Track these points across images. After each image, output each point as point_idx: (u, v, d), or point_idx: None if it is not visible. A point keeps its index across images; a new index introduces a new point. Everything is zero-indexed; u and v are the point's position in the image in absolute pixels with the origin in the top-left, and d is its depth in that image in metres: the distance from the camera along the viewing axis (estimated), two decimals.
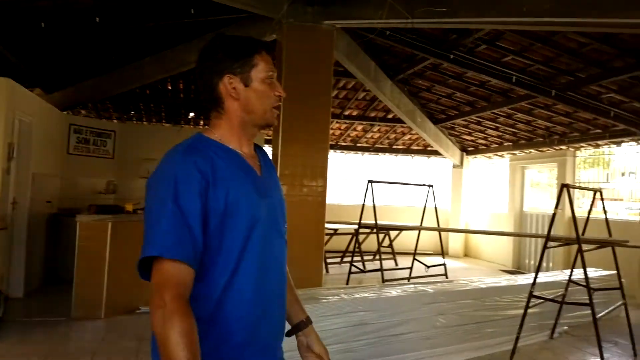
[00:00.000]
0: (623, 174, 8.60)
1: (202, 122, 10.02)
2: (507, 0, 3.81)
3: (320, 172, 4.85)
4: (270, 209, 1.27)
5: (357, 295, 3.63)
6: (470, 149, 10.52)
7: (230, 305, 1.16)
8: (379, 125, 10.12)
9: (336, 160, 10.91)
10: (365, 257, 7.87)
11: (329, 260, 7.70)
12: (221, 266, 1.16)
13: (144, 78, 6.91)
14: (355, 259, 7.15)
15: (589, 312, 3.75)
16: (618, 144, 7.37)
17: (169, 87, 8.27)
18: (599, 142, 7.56)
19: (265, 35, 5.09)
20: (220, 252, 1.16)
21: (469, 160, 10.66)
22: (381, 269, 6.45)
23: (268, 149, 8.58)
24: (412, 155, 11.39)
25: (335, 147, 10.55)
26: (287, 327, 1.41)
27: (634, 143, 7.02)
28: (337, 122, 9.79)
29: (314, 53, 4.82)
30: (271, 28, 4.91)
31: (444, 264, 7.28)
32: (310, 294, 3.59)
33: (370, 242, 8.22)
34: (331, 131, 9.28)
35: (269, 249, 1.26)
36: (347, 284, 6.32)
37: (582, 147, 8.06)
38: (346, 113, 9.52)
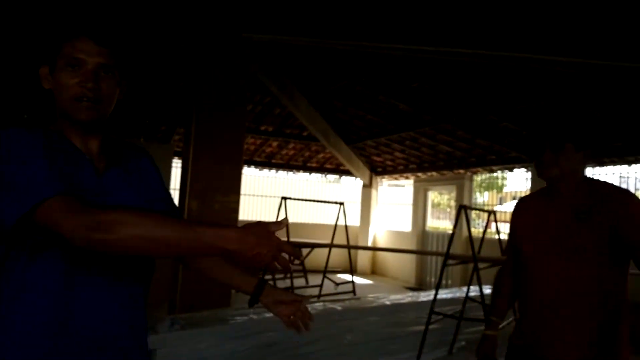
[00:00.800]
0: (514, 198, 9.41)
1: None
2: (416, 28, 4.04)
3: (234, 187, 4.74)
4: None
5: (267, 315, 3.55)
6: (379, 169, 10.94)
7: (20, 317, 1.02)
8: (293, 142, 10.19)
9: (250, 176, 10.79)
10: (276, 275, 7.79)
11: None
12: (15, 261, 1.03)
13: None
14: (266, 277, 7.05)
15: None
16: (510, 169, 8.08)
17: None
18: (494, 168, 8.24)
19: (180, 43, 4.93)
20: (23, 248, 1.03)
21: (378, 180, 11.07)
22: (292, 287, 6.42)
23: (178, 162, 8.24)
24: (325, 173, 11.60)
25: (249, 162, 10.44)
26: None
27: (524, 169, 7.73)
28: (252, 137, 9.70)
29: (229, 64, 4.74)
30: (187, 35, 4.76)
31: (352, 282, 7.42)
32: (218, 315, 3.45)
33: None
34: (246, 146, 9.18)
35: (99, 258, 1.08)
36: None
37: (479, 171, 8.72)
38: (261, 128, 9.48)
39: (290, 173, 11.37)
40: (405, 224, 10.42)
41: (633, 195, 1.64)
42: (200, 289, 4.39)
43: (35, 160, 1.00)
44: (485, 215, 6.25)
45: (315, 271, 8.49)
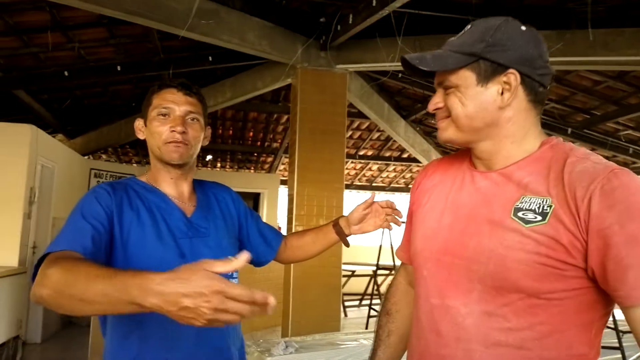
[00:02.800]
0: None
1: (219, 165, 10.16)
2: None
3: (336, 212, 4.83)
4: (199, 251, 1.20)
5: None
6: None
7: None
8: (394, 164, 10.13)
9: (352, 200, 10.90)
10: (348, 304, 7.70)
11: (347, 303, 7.56)
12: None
13: None
14: (374, 301, 7.01)
15: (619, 356, 3.58)
16: None
17: None
18: None
19: (280, 80, 5.22)
20: None
21: None
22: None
23: (284, 189, 8.59)
24: None
25: (350, 186, 10.57)
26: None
27: None
28: (352, 162, 9.84)
29: (327, 96, 4.91)
30: (286, 73, 5.03)
31: None
32: (328, 339, 3.50)
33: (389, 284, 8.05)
34: (346, 171, 9.33)
35: None
36: (366, 328, 6.17)
37: None
38: (361, 153, 9.59)
39: (393, 195, 11.28)
40: None
41: (633, 181, 0.81)
42: (310, 314, 4.50)
43: (75, 220, 1.09)
44: None
45: None
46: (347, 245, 1.45)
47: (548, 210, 0.83)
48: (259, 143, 8.74)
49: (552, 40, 3.54)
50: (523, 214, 0.84)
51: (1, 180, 4.54)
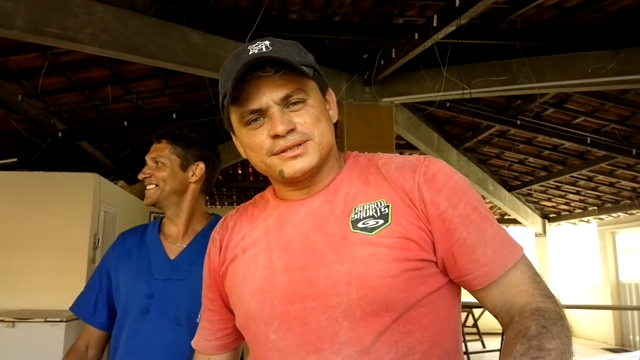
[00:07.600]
0: None
1: None
2: (569, 63, 3.71)
3: None
4: (169, 294, 1.25)
5: None
6: (552, 215, 9.89)
7: None
8: None
9: None
10: None
11: None
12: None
13: None
14: (468, 338, 6.71)
15: None
16: None
17: (239, 172, 8.69)
18: None
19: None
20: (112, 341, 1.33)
21: (552, 227, 9.97)
22: (467, 352, 5.97)
23: None
24: None
25: None
26: None
27: None
28: None
29: (374, 130, 4.90)
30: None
31: None
32: None
33: None
34: None
35: (145, 338, 1.23)
36: None
37: None
38: None
39: None
40: (594, 276, 9.07)
41: (445, 165, 0.83)
42: None
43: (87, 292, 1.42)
44: None
45: (492, 333, 7.77)
46: None
47: (387, 211, 0.76)
48: None
49: (605, 60, 3.37)
50: (363, 224, 0.76)
51: (67, 226, 4.82)
